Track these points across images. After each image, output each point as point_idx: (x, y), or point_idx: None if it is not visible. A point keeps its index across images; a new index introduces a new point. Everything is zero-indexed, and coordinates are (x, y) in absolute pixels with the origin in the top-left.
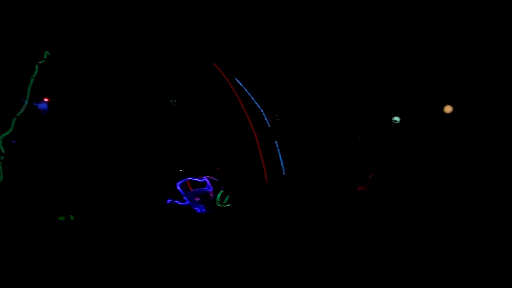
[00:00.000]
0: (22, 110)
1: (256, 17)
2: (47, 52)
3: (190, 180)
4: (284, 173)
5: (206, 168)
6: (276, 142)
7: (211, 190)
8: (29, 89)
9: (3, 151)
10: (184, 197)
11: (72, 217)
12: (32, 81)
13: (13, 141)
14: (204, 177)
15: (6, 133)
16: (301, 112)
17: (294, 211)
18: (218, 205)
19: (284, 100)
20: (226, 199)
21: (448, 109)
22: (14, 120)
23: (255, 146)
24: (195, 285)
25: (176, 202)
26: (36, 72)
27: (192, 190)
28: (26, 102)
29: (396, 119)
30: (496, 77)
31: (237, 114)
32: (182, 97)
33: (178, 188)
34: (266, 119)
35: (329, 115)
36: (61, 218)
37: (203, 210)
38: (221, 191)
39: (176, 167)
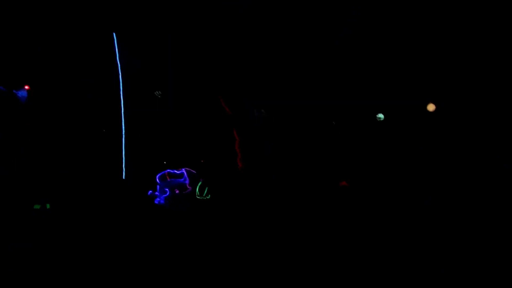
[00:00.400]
0: None
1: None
2: None
3: (169, 172)
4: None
5: (186, 161)
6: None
7: (187, 182)
8: None
9: None
10: (165, 189)
11: (48, 206)
12: None
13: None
14: (182, 169)
15: None
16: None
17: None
18: (198, 197)
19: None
20: (206, 190)
21: (431, 107)
22: None
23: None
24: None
25: (157, 194)
26: None
27: (169, 180)
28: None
29: (380, 116)
30: (477, 74)
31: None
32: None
33: (158, 180)
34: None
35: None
36: (37, 206)
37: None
38: (200, 183)
39: (160, 159)
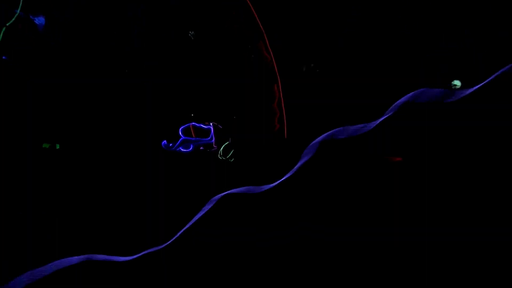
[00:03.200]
0: (13, 19)
1: None
2: None
3: (194, 125)
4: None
5: (215, 115)
6: None
7: (214, 140)
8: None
9: None
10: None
11: (58, 146)
12: None
13: (3, 57)
14: (210, 124)
15: None
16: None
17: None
18: (220, 157)
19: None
20: (230, 153)
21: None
22: (3, 29)
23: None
24: None
25: (180, 149)
26: None
27: (194, 137)
28: (18, 11)
29: (457, 83)
30: None
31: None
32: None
33: (180, 133)
34: None
35: None
36: (46, 145)
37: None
38: (227, 143)
39: (186, 110)
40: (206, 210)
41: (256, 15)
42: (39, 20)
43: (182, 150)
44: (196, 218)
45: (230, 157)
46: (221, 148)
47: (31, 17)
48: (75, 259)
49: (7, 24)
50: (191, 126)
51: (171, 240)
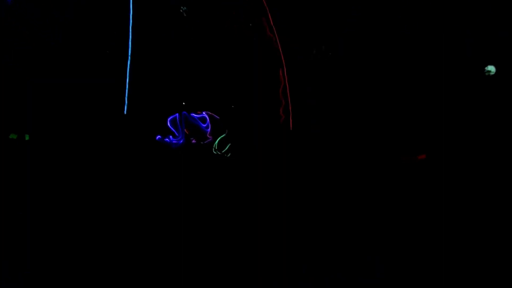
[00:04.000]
0: None
1: None
2: None
3: (185, 115)
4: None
5: (209, 103)
6: None
7: (208, 130)
8: None
9: None
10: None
11: (27, 137)
12: None
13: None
14: (203, 113)
15: None
16: None
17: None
18: (215, 152)
19: None
20: (227, 147)
21: None
22: None
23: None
24: None
25: (167, 141)
26: None
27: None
28: None
29: (491, 68)
30: None
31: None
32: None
33: (169, 124)
34: None
35: None
36: (13, 136)
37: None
38: (223, 135)
39: (175, 99)
40: None
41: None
42: None
43: (174, 142)
44: None
45: (226, 152)
46: (216, 142)
47: None
48: None
49: None
50: (180, 115)
51: None
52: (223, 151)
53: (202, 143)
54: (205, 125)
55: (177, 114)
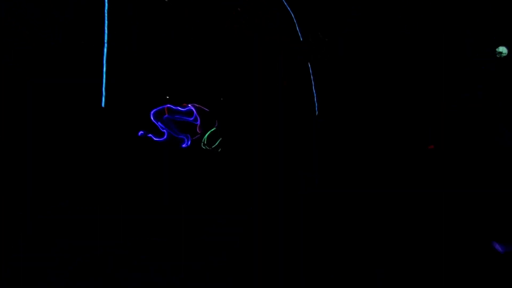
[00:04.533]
0: None
1: None
2: None
3: (170, 108)
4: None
5: (195, 96)
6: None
7: (198, 123)
8: None
9: None
10: (163, 130)
11: None
12: None
13: None
14: (189, 105)
15: None
16: None
17: None
18: (203, 147)
19: None
20: (217, 142)
21: None
22: None
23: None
24: None
25: (151, 136)
26: None
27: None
28: None
29: (502, 50)
30: None
31: None
32: None
33: (152, 118)
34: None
35: None
36: None
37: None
38: (213, 129)
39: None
40: None
41: None
42: None
43: (154, 138)
44: None
45: (217, 147)
46: (205, 136)
47: None
48: None
49: None
50: (165, 109)
51: None
52: (213, 146)
53: (190, 138)
54: (192, 118)
55: (163, 106)
